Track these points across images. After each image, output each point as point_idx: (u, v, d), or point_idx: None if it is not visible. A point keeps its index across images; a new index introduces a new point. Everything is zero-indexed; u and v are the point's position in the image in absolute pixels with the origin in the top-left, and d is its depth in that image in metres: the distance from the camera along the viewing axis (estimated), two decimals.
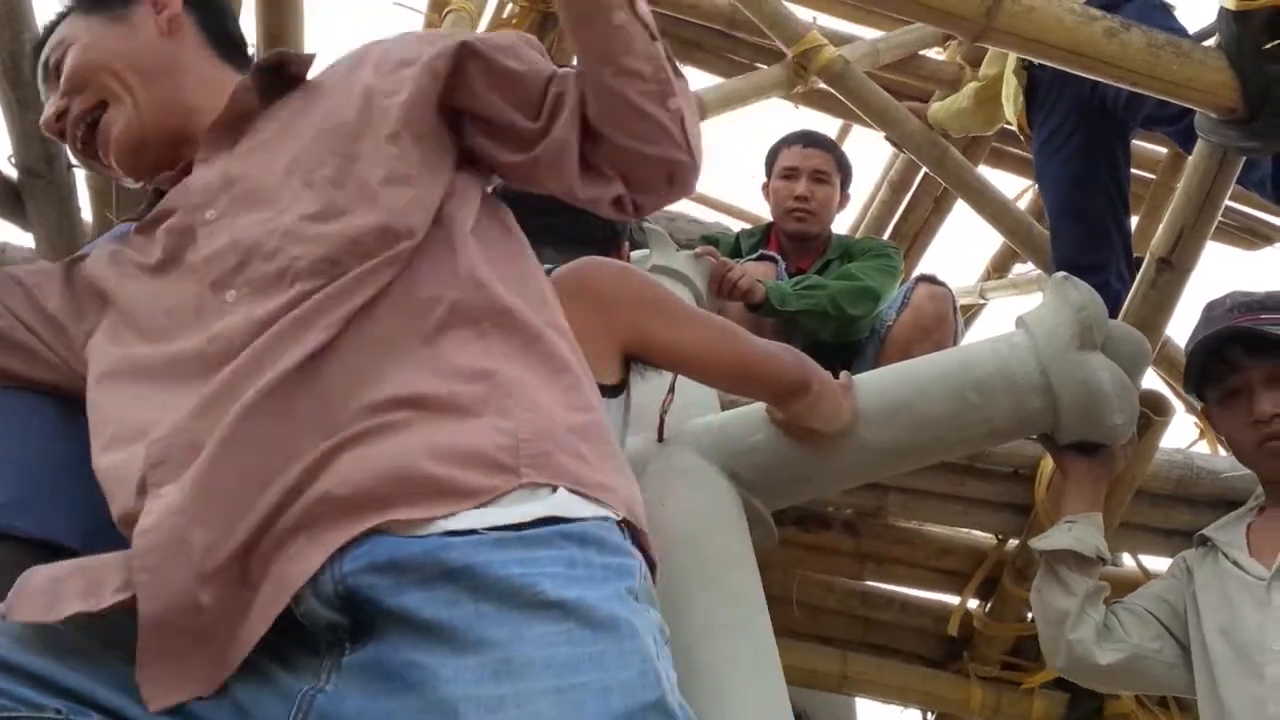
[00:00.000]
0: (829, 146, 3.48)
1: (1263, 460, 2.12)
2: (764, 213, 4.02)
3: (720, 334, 1.86)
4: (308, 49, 2.05)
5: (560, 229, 2.09)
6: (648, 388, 1.92)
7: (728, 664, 1.75)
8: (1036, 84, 3.54)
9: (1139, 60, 2.36)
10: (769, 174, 3.47)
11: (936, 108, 4.13)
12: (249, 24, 1.98)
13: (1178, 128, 2.78)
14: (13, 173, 2.15)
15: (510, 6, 4.48)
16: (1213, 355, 2.14)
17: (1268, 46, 2.36)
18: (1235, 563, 2.05)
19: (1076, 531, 2.09)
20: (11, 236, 2.34)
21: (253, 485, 1.04)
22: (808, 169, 3.35)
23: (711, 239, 3.44)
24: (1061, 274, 2.19)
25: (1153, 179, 4.08)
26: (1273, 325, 2.09)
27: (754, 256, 3.17)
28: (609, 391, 1.72)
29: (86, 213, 2.29)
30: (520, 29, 4.31)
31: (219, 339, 1.14)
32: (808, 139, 3.45)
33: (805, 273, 3.22)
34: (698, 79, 4.71)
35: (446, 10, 3.94)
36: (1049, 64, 2.43)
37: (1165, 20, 3.05)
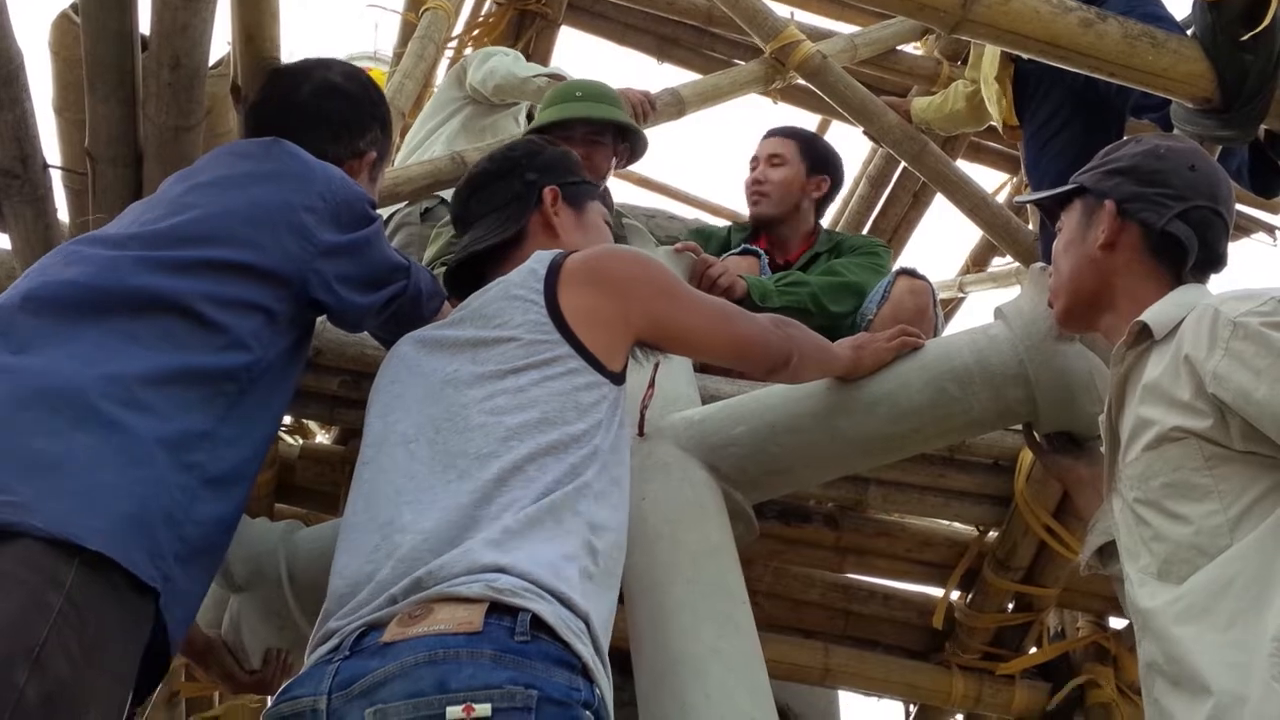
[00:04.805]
0: (789, 134, 3.51)
1: None
2: (741, 208, 4.03)
3: (718, 315, 1.92)
4: (283, 48, 2.06)
5: (474, 212, 2.10)
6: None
7: (710, 657, 1.75)
8: (1025, 76, 3.54)
9: (1115, 51, 2.37)
10: None
11: (923, 106, 4.12)
12: (224, 22, 1.97)
13: (1163, 113, 2.78)
14: None
15: (488, 5, 4.48)
16: None
17: (1243, 37, 2.38)
18: None
19: (1098, 527, 2.01)
20: None
21: None
22: (763, 155, 3.43)
23: (704, 233, 3.46)
24: (1039, 265, 2.20)
25: None
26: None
27: (737, 251, 3.18)
28: (617, 379, 1.74)
29: (63, 213, 2.27)
30: (498, 28, 4.30)
31: None
32: (770, 131, 3.51)
33: (791, 265, 3.22)
34: (675, 76, 4.72)
35: (424, 9, 3.94)
36: (1024, 56, 2.44)
37: (1154, 9, 3.03)
